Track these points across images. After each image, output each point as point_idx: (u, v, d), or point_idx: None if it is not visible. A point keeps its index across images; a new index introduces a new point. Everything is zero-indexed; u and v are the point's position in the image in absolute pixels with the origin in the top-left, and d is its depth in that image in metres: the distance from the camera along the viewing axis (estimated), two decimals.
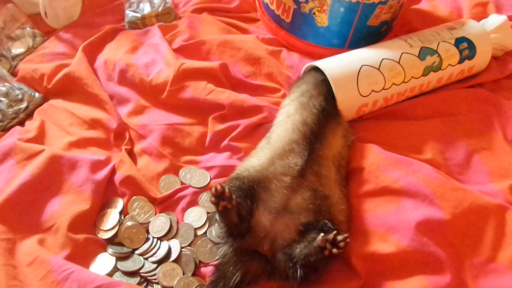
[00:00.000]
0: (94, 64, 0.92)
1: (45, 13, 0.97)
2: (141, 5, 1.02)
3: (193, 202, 0.73)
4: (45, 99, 0.88)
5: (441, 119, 0.80)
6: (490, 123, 0.81)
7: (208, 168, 0.77)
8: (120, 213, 0.72)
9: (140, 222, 0.70)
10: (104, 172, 0.74)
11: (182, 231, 0.70)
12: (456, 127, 0.79)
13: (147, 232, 0.69)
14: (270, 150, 0.67)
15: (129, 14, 1.00)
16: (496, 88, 0.88)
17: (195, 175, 0.76)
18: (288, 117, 0.70)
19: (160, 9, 1.01)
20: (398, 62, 0.78)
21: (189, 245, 0.68)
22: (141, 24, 1.00)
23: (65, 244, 0.65)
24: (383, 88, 0.77)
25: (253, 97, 0.84)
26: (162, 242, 0.68)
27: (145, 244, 0.68)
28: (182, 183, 0.76)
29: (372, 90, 0.76)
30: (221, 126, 0.81)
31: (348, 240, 0.55)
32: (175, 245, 0.68)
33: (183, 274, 0.65)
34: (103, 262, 0.65)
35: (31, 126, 0.82)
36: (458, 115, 0.81)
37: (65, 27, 1.00)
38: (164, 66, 0.87)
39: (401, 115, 0.82)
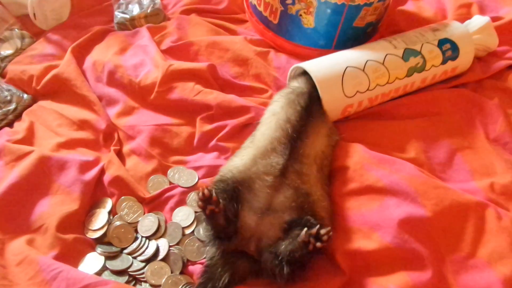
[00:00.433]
0: (83, 66, 0.92)
1: (34, 14, 0.97)
2: (130, 6, 1.03)
3: (181, 202, 0.74)
4: (34, 101, 0.88)
5: (424, 119, 0.82)
6: (473, 122, 0.82)
7: (196, 168, 0.78)
8: (109, 213, 0.72)
9: (128, 221, 0.71)
10: (92, 172, 0.75)
11: (170, 230, 0.70)
12: (439, 126, 0.81)
13: (136, 231, 0.70)
14: (253, 149, 0.68)
15: (118, 15, 1.01)
16: (479, 88, 0.89)
17: (183, 175, 0.77)
18: (273, 115, 0.71)
19: (149, 10, 1.02)
20: (383, 64, 0.79)
21: (177, 244, 0.69)
22: (130, 25, 1.00)
23: (54, 244, 0.66)
24: (368, 89, 0.78)
25: (241, 97, 0.85)
26: (150, 241, 0.69)
27: (134, 243, 0.69)
28: (170, 183, 0.77)
29: (357, 91, 0.77)
30: (209, 127, 0.82)
31: (331, 233, 0.56)
32: (163, 244, 0.69)
33: (171, 272, 0.66)
34: (92, 262, 0.66)
35: (20, 127, 0.82)
36: (441, 115, 0.83)
37: (54, 29, 1.01)
38: (152, 67, 0.88)
39: (386, 115, 0.83)
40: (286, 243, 0.58)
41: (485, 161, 0.76)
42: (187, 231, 0.71)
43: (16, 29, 0.98)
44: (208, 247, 0.65)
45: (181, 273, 0.66)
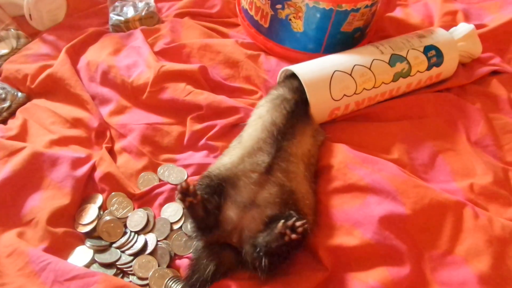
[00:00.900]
0: (77, 65, 0.94)
1: (30, 15, 0.99)
2: (124, 8, 1.04)
3: (170, 198, 0.76)
4: (28, 99, 0.90)
5: (409, 122, 0.84)
6: (455, 125, 0.85)
7: (186, 166, 0.80)
8: (99, 208, 0.74)
9: (118, 216, 0.72)
10: (84, 169, 0.77)
11: (159, 226, 0.72)
12: (423, 129, 0.83)
13: (125, 226, 0.72)
14: (241, 149, 0.70)
15: (113, 17, 1.03)
16: (462, 93, 0.92)
17: (173, 173, 0.79)
18: (260, 118, 0.73)
19: (143, 13, 1.04)
20: (369, 68, 0.81)
21: (165, 238, 0.71)
22: (124, 27, 1.02)
23: (44, 237, 0.68)
24: (355, 93, 0.80)
25: (231, 98, 0.87)
26: (139, 236, 0.71)
27: (123, 237, 0.70)
28: (160, 180, 0.78)
29: (344, 95, 0.79)
30: (199, 126, 0.84)
31: (306, 226, 0.58)
32: (151, 239, 0.70)
33: (158, 266, 0.67)
34: (81, 255, 0.68)
35: (14, 124, 0.84)
36: (425, 118, 0.85)
37: (49, 29, 1.02)
38: (145, 68, 0.90)
39: (372, 117, 0.85)
40: (264, 234, 0.60)
41: (466, 163, 0.79)
42: (175, 227, 0.72)
43: (12, 29, 1.00)
44: (194, 242, 0.67)
45: (168, 266, 0.68)
